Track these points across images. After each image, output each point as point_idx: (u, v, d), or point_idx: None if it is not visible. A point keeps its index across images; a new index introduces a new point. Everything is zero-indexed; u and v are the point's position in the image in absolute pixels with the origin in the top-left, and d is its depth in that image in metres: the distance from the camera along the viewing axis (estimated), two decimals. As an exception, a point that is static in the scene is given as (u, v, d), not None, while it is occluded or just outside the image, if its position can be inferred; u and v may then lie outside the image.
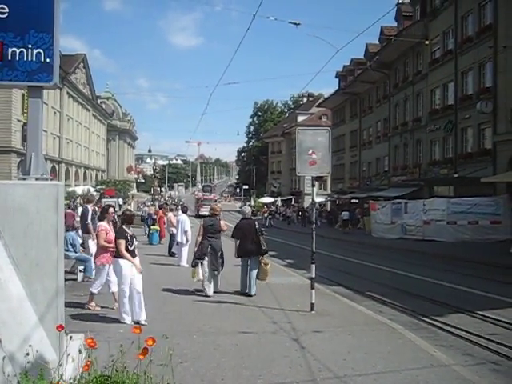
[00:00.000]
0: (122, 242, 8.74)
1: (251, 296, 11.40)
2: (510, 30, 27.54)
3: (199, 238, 11.81)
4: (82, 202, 42.65)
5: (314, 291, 9.84)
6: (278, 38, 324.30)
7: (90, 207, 15.78)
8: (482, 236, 25.70)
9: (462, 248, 23.91)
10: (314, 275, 9.94)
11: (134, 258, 8.87)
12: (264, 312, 9.76)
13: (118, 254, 8.82)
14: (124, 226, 9.07)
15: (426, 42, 36.34)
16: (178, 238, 17.42)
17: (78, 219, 17.13)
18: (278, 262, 20.06)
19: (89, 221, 14.83)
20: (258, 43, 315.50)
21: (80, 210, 20.68)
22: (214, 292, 11.49)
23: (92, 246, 13.22)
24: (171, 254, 18.98)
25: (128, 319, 8.51)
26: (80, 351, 4.15)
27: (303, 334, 8.12)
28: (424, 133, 38.61)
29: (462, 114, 32.91)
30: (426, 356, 7.12)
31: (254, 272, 11.59)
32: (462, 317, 10.28)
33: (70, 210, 29.94)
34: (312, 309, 9.78)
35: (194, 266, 11.58)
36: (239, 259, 11.97)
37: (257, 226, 11.90)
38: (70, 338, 4.48)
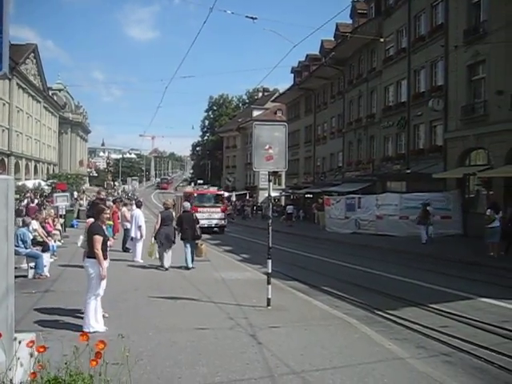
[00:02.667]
0: (100, 239, 7.96)
1: (193, 268, 15.06)
2: (460, 30, 28.22)
3: (157, 226, 15.30)
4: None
5: (270, 286, 9.85)
6: (235, 32, 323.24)
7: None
8: (433, 231, 26.25)
9: (413, 242, 24.37)
10: (270, 270, 9.95)
11: (105, 259, 8.13)
12: (220, 308, 9.71)
13: (91, 254, 8.00)
14: (98, 222, 8.34)
15: (381, 40, 36.86)
16: (132, 234, 17.17)
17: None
18: (233, 256, 20.07)
19: None
20: (214, 37, 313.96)
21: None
22: (169, 266, 15.00)
23: None
24: (125, 250, 18.68)
25: (99, 326, 7.84)
26: (31, 354, 3.99)
27: (260, 329, 8.11)
28: (377, 129, 39.22)
29: (415, 111, 33.56)
30: (381, 350, 7.22)
31: (193, 251, 15.39)
32: (415, 310, 10.48)
33: (33, 205, 29.40)
34: (268, 304, 9.78)
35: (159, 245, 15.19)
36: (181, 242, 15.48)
37: (194, 218, 15.87)
38: (19, 342, 4.30)
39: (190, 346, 7.13)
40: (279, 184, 65.37)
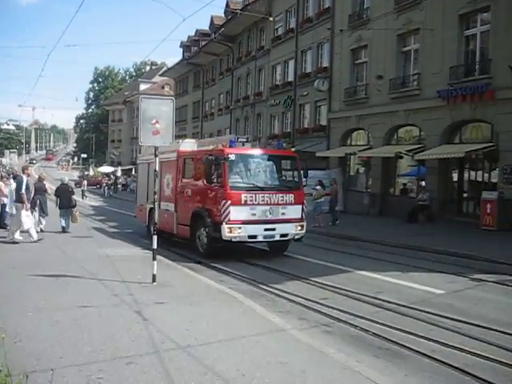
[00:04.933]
0: None
1: (68, 232, 17.86)
2: (345, 15, 29.20)
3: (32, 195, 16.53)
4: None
5: (155, 262, 9.74)
6: (124, 2, 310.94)
7: (25, 177, 14.89)
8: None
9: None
10: (155, 246, 9.84)
11: None
12: (104, 284, 9.47)
13: None
14: None
15: (270, 19, 37.23)
16: (7, 209, 16.31)
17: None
18: (117, 231, 19.67)
19: (23, 191, 14.21)
20: (102, 6, 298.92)
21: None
22: (42, 231, 17.17)
23: (24, 216, 14.63)
24: (2, 226, 17.68)
25: None
26: None
27: (145, 305, 8.01)
28: (265, 107, 39.86)
29: (301, 91, 34.46)
30: (265, 322, 7.39)
31: (69, 218, 18.38)
32: (297, 283, 10.84)
33: None
34: (154, 280, 9.67)
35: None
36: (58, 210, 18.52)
37: (70, 189, 18.99)
38: None
39: (73, 325, 6.88)
40: (166, 159, 64.57)
